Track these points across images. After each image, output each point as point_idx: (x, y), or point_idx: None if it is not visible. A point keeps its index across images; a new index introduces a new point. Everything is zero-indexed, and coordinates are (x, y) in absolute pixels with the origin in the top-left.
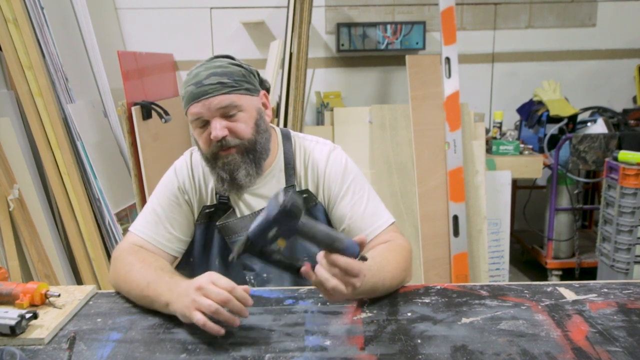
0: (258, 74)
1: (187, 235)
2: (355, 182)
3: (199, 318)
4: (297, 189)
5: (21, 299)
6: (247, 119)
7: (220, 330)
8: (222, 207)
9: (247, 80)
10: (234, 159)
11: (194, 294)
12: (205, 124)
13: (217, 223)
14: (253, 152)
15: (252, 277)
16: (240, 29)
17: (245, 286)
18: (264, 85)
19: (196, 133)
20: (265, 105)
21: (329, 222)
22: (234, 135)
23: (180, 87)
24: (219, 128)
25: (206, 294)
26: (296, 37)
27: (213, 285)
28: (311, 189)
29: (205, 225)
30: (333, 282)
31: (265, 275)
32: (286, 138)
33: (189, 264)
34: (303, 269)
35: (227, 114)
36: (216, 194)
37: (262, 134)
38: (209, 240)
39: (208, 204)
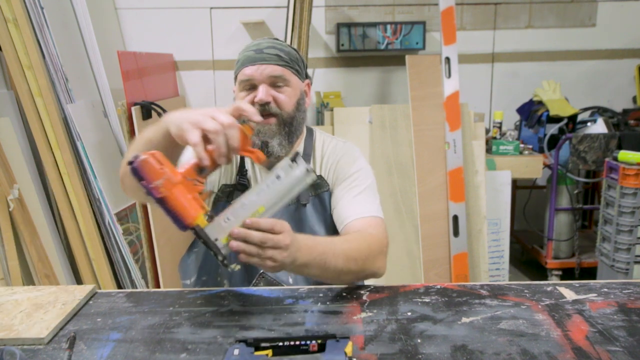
0: (305, 66)
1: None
2: (360, 174)
3: (195, 139)
4: None
5: None
6: (292, 94)
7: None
8: (240, 187)
9: (299, 64)
10: (270, 129)
11: (201, 114)
12: (252, 87)
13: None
14: (289, 126)
15: None
16: (240, 29)
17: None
18: (310, 78)
19: (240, 96)
20: (306, 93)
21: (331, 208)
22: (276, 104)
23: (181, 88)
24: (264, 92)
25: (213, 117)
26: (296, 37)
27: (212, 120)
28: (324, 174)
29: (224, 203)
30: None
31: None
32: (309, 132)
33: (198, 246)
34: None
35: (275, 83)
36: (237, 175)
37: (301, 112)
38: None
39: (229, 183)
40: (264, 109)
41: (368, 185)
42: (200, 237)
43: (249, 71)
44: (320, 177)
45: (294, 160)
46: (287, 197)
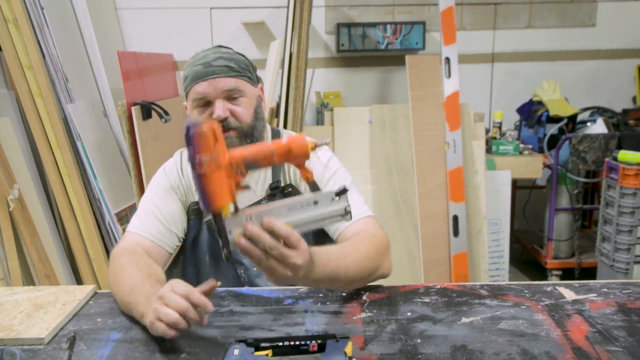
0: (255, 69)
1: (181, 231)
2: (338, 174)
3: (161, 330)
4: (282, 184)
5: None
6: (248, 104)
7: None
8: None
9: (249, 70)
10: (232, 142)
11: (156, 302)
12: (206, 104)
13: (205, 220)
14: (250, 137)
15: (242, 271)
16: (240, 29)
17: (210, 282)
18: (260, 81)
19: (195, 113)
20: (261, 98)
21: None
22: (234, 118)
23: (181, 88)
24: (222, 108)
25: (166, 302)
26: (296, 37)
27: (172, 293)
28: (294, 182)
29: (194, 221)
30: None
31: (255, 269)
32: (276, 134)
33: (180, 261)
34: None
35: (231, 96)
36: None
37: (260, 121)
38: (198, 237)
39: (196, 200)
40: (223, 125)
41: (349, 183)
42: (217, 223)
43: (201, 88)
44: (290, 185)
45: (338, 195)
46: (313, 225)
